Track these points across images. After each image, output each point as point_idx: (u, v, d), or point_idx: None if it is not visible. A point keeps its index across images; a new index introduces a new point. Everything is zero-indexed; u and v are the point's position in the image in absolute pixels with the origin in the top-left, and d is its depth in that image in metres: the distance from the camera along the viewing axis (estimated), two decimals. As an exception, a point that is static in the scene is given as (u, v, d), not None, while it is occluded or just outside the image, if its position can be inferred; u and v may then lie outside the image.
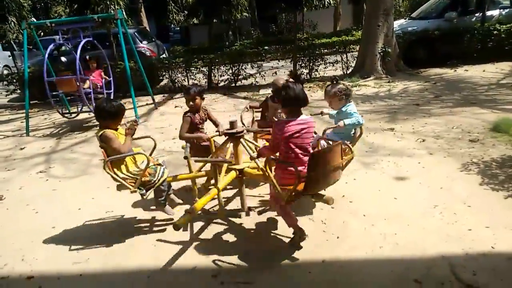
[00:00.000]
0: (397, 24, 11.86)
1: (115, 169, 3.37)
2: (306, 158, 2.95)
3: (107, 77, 8.42)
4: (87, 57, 8.41)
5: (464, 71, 9.77)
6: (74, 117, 8.46)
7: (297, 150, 3.00)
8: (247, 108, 4.97)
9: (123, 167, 3.41)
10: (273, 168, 3.35)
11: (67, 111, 8.51)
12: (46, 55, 7.71)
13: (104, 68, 8.61)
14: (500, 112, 6.17)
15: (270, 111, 4.68)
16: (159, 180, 3.44)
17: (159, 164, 3.60)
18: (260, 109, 4.88)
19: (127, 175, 3.40)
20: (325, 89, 3.92)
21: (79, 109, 8.49)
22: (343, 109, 3.81)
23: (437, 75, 9.67)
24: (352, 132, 3.86)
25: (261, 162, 3.43)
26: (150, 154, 3.65)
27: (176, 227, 2.97)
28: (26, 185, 5.13)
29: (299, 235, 3.17)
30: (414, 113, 6.65)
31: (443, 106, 6.93)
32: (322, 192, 3.24)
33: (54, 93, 7.97)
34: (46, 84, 7.54)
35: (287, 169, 3.00)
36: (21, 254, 3.48)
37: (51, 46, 7.91)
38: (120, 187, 3.44)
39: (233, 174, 3.57)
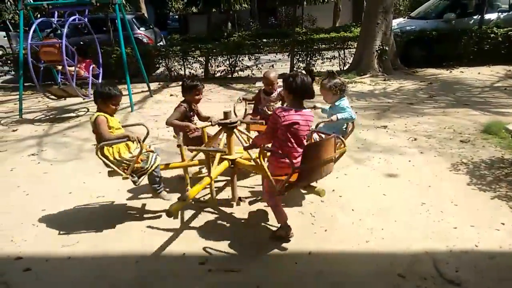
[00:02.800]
0: (396, 22, 11.88)
1: (107, 155, 3.37)
2: (300, 150, 2.98)
3: (96, 68, 8.34)
4: (76, 47, 8.23)
5: (459, 72, 9.84)
6: (58, 98, 8.15)
7: (293, 141, 3.02)
8: (240, 99, 4.98)
9: (115, 153, 3.42)
10: (265, 159, 3.37)
11: (57, 84, 8.25)
12: (30, 36, 7.32)
13: (94, 57, 8.46)
14: (492, 114, 6.25)
15: (263, 104, 4.70)
16: (151, 166, 3.45)
17: (152, 151, 3.60)
18: (253, 102, 4.90)
19: (119, 161, 3.40)
20: (321, 82, 3.95)
21: (60, 81, 8.16)
22: (337, 103, 3.84)
23: (433, 75, 9.73)
24: (344, 127, 3.91)
25: (254, 153, 3.46)
26: (143, 142, 3.64)
27: (169, 214, 3.00)
28: (17, 167, 5.11)
29: (286, 231, 3.19)
30: (408, 112, 6.71)
31: (437, 106, 7.00)
32: (314, 184, 3.29)
33: (40, 64, 7.67)
34: (30, 64, 7.11)
35: (281, 159, 3.02)
36: (10, 235, 3.48)
37: (33, 26, 7.59)
38: (112, 173, 3.45)
39: (225, 164, 3.59)
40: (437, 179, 4.14)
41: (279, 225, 3.23)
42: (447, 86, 8.46)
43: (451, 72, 9.98)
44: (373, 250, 3.04)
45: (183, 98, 4.09)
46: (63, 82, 8.18)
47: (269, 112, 4.41)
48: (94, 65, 8.27)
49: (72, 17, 7.53)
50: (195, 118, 4.19)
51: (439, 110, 6.70)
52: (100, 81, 8.44)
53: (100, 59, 8.58)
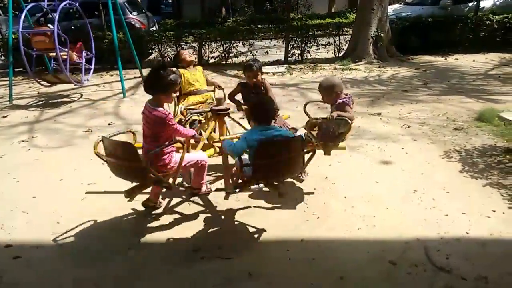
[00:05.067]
0: (392, 9, 11.80)
1: None
2: None
3: (89, 53, 8.23)
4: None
5: (454, 59, 9.82)
6: (51, 85, 8.12)
7: None
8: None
9: None
10: None
11: (47, 72, 8.18)
12: (21, 23, 7.19)
13: (87, 43, 8.37)
14: (485, 102, 6.25)
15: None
16: None
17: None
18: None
19: None
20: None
21: (53, 67, 8.15)
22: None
23: (428, 62, 9.70)
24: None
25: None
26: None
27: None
28: (7, 154, 5.05)
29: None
30: (402, 99, 6.69)
31: (431, 93, 6.99)
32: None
33: (32, 52, 7.58)
34: (22, 52, 7.08)
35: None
36: (0, 222, 3.44)
37: (24, 11, 7.50)
38: None
39: (211, 151, 3.56)
40: (429, 167, 4.14)
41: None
42: (442, 74, 8.44)
43: (446, 59, 9.95)
44: (365, 237, 3.05)
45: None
46: (55, 68, 8.07)
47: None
48: (87, 52, 8.16)
49: (64, 2, 7.38)
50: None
51: (433, 98, 6.69)
52: (92, 66, 8.33)
53: (92, 43, 8.44)
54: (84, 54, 8.10)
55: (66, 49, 7.42)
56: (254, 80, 4.03)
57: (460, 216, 3.24)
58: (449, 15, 10.61)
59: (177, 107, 4.49)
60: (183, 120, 3.95)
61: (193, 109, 4.22)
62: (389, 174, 4.04)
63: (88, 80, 8.19)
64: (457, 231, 3.04)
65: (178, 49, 10.47)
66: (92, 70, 8.35)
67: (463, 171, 4.00)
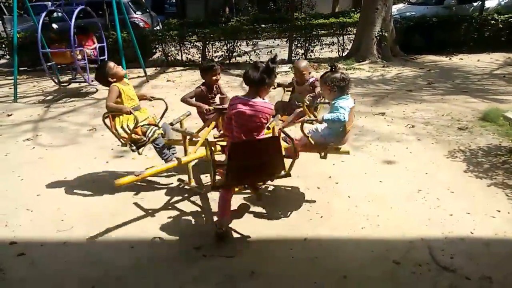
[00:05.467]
0: (396, 8, 11.75)
1: (116, 123, 3.58)
2: None
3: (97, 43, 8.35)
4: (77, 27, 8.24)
5: (459, 59, 9.78)
6: (66, 85, 8.41)
7: (238, 131, 2.89)
8: (274, 86, 4.18)
9: (124, 122, 3.58)
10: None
11: (57, 81, 8.37)
12: (40, 26, 7.49)
13: (98, 36, 8.50)
14: (490, 102, 6.22)
15: (295, 95, 4.47)
16: (148, 138, 3.59)
17: (156, 125, 3.73)
18: (289, 89, 4.64)
19: (124, 130, 3.58)
20: (321, 77, 3.45)
21: (73, 78, 8.48)
22: (333, 101, 3.25)
23: (432, 62, 9.66)
24: (341, 129, 3.24)
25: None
26: (161, 117, 3.95)
27: (117, 185, 3.18)
28: (12, 152, 5.07)
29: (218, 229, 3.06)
30: (406, 98, 6.67)
31: (435, 93, 6.96)
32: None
33: (48, 64, 7.94)
34: (41, 55, 7.49)
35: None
36: (4, 220, 3.46)
37: (43, 15, 7.68)
38: (123, 144, 3.67)
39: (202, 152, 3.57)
40: (434, 166, 4.13)
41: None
42: (446, 73, 8.41)
43: (450, 59, 9.91)
44: (368, 237, 3.04)
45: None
46: (74, 74, 8.43)
47: (299, 103, 4.00)
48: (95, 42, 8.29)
49: (78, 8, 7.52)
50: (217, 100, 4.18)
51: (438, 97, 6.66)
52: (105, 57, 8.43)
53: (104, 42, 8.50)
54: (96, 45, 8.19)
55: (80, 48, 7.64)
56: (214, 79, 4.01)
57: (465, 216, 3.22)
58: (453, 15, 10.56)
59: (120, 125, 3.67)
60: (144, 139, 3.62)
61: (148, 124, 3.75)
62: (393, 174, 4.03)
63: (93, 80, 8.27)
64: (462, 231, 3.02)
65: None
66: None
67: (467, 171, 3.98)
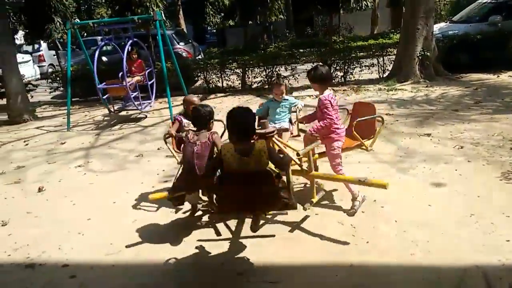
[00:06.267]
0: (437, 27, 11.50)
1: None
2: None
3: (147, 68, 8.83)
4: (129, 48, 8.71)
5: (507, 77, 9.35)
6: (118, 112, 8.92)
7: None
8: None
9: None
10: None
11: (111, 111, 8.82)
12: (95, 64, 8.01)
13: (147, 63, 9.01)
14: (545, 120, 5.86)
15: None
16: None
17: None
18: None
19: None
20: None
21: (123, 106, 8.96)
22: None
23: (479, 80, 9.30)
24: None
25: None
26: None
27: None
28: (65, 178, 5.35)
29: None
30: (452, 118, 6.42)
31: (484, 112, 6.66)
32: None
33: (104, 97, 8.49)
34: (98, 91, 8.17)
35: None
36: (57, 243, 3.63)
37: (97, 51, 8.27)
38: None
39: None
40: (486, 189, 3.91)
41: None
42: (495, 91, 8.05)
43: (498, 76, 9.49)
44: (418, 263, 2.90)
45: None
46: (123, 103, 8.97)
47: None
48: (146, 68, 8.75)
49: (130, 42, 8.02)
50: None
51: (487, 116, 6.37)
52: (153, 93, 8.88)
53: (153, 72, 8.97)
54: (145, 72, 8.64)
55: (131, 80, 8.15)
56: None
57: (524, 242, 3.01)
58: (499, 31, 10.18)
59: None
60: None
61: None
62: (443, 197, 3.86)
63: (151, 105, 8.88)
64: (521, 258, 2.83)
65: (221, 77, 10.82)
66: (153, 96, 9.01)
67: (524, 193, 3.75)
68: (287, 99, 4.41)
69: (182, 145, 3.68)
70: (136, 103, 8.19)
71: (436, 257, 2.94)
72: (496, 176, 4.17)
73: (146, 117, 8.57)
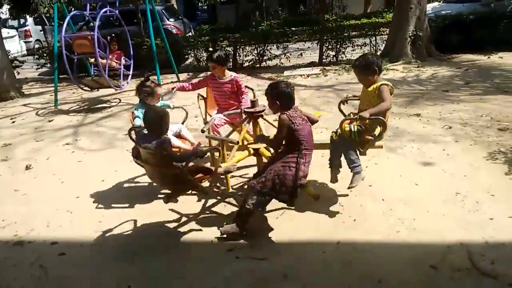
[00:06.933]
0: (430, 7, 11.42)
1: None
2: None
3: (127, 59, 8.56)
4: (109, 38, 8.47)
5: (498, 58, 9.38)
6: (91, 89, 8.54)
7: None
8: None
9: None
10: None
11: (90, 76, 8.57)
12: (64, 29, 7.67)
13: (125, 49, 8.75)
14: (533, 101, 5.92)
15: None
16: None
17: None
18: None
19: None
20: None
21: (94, 73, 8.56)
22: None
23: (469, 61, 9.31)
24: None
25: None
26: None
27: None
28: (53, 156, 5.30)
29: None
30: (442, 99, 6.46)
31: (473, 93, 6.70)
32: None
33: (74, 56, 8.06)
34: (64, 57, 7.57)
35: None
36: (46, 220, 3.62)
37: (66, 19, 7.86)
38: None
39: (245, 153, 3.56)
40: (473, 168, 3.97)
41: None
42: (485, 72, 8.08)
43: (489, 57, 9.52)
44: (404, 241, 2.96)
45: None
46: (96, 74, 8.44)
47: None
48: (125, 58, 8.51)
49: (103, 9, 7.70)
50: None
51: (476, 97, 6.41)
52: (131, 72, 8.63)
53: (131, 50, 8.75)
54: (123, 61, 8.42)
55: (106, 54, 7.78)
56: None
57: (506, 220, 3.07)
58: (492, 12, 10.14)
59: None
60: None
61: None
62: (430, 176, 3.91)
63: (128, 83, 8.49)
64: (503, 236, 2.89)
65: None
66: (130, 76, 8.67)
67: (509, 173, 3.80)
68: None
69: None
70: (106, 75, 7.67)
71: (421, 235, 2.99)
72: (483, 156, 4.22)
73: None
